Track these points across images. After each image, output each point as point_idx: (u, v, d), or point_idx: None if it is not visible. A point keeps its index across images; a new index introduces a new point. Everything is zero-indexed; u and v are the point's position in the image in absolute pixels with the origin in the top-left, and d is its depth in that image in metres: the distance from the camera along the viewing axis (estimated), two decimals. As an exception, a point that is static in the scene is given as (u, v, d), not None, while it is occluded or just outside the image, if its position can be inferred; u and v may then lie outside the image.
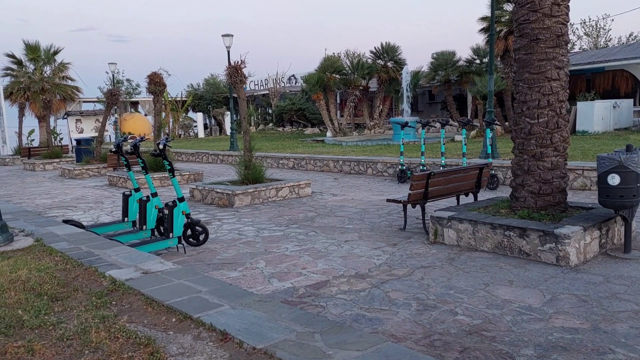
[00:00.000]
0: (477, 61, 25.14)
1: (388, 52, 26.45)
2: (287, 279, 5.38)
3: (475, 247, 6.20)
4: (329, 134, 26.75)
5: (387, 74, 26.52)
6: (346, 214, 8.73)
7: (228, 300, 3.57)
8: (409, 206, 7.25)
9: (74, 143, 20.93)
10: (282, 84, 37.63)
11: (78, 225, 7.30)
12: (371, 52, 26.99)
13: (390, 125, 26.91)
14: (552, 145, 6.22)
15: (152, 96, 13.80)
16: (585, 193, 9.81)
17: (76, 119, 33.19)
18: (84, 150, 18.21)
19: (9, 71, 31.25)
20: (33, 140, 30.20)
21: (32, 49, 31.08)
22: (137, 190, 7.83)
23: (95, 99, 35.65)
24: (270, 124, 35.43)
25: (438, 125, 12.41)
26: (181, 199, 6.65)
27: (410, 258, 5.99)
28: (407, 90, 24.42)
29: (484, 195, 9.55)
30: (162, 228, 7.09)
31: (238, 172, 10.84)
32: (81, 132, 33.09)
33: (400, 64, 26.41)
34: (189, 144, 28.58)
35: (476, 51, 24.85)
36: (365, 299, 4.71)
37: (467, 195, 7.94)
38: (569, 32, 6.34)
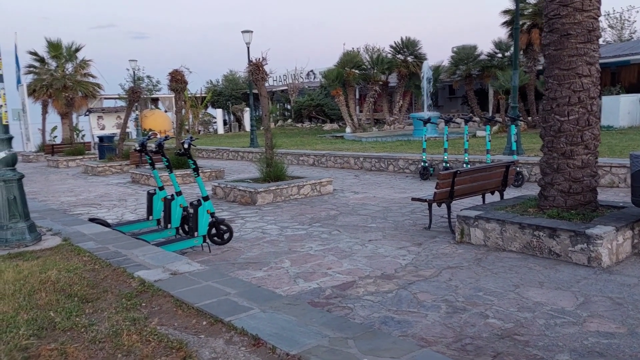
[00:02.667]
0: (499, 55, 24.80)
1: (408, 47, 26.25)
2: (312, 279, 5.35)
3: (503, 247, 6.09)
4: (348, 129, 26.66)
5: (407, 69, 26.33)
6: (369, 212, 8.67)
7: (257, 303, 3.55)
8: (433, 205, 7.16)
9: (97, 140, 21.18)
10: (301, 80, 37.61)
11: (104, 223, 7.37)
12: (391, 46, 26.83)
13: (410, 121, 26.72)
14: (582, 143, 6.07)
15: (173, 93, 13.86)
16: (614, 190, 9.59)
17: (98, 116, 33.60)
18: (107, 147, 18.40)
19: (31, 69, 31.71)
20: (56, 137, 30.63)
21: (54, 47, 31.45)
22: (161, 188, 7.88)
23: (117, 96, 35.99)
24: (289, 120, 35.44)
25: (460, 121, 12.27)
26: (206, 198, 6.66)
27: (437, 258, 5.92)
28: (427, 85, 24.19)
29: (509, 193, 9.42)
30: (186, 227, 7.12)
31: (260, 170, 10.83)
32: (103, 128, 33.48)
33: (420, 58, 26.19)
34: (209, 140, 28.73)
35: (498, 45, 24.51)
36: (393, 301, 4.66)
37: (492, 193, 7.82)
38: (599, 27, 6.17)
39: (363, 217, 8.27)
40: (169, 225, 7.16)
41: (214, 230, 6.82)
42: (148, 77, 36.95)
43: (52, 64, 31.85)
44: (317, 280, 5.31)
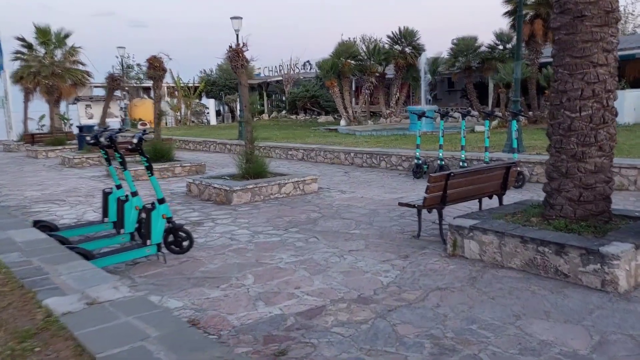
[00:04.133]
0: (500, 47, 23.90)
1: (406, 37, 25.30)
2: (276, 302, 4.50)
3: (501, 264, 5.25)
4: (342, 122, 25.77)
5: (404, 60, 25.39)
6: (353, 215, 7.82)
7: (178, 355, 2.70)
8: (424, 211, 6.31)
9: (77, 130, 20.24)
10: (297, 70, 36.62)
11: (50, 227, 6.51)
12: (388, 37, 25.88)
13: (407, 114, 25.83)
14: (596, 143, 5.21)
15: (153, 81, 12.96)
16: (623, 194, 8.74)
17: (86, 105, 32.62)
18: (84, 137, 17.46)
19: (19, 55, 30.68)
20: (44, 125, 29.63)
21: (43, 33, 30.36)
22: (118, 187, 7.02)
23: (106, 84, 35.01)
24: (284, 112, 34.52)
25: (457, 115, 11.45)
26: (161, 200, 5.80)
27: (425, 276, 5.07)
28: (425, 77, 23.27)
29: (509, 195, 8.57)
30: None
31: (239, 166, 9.97)
32: (91, 117, 32.49)
33: (418, 49, 25.25)
34: (199, 131, 27.82)
35: (499, 36, 23.59)
36: (367, 335, 3.81)
37: (490, 197, 6.96)
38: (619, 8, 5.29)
39: (346, 222, 7.41)
40: (121, 231, 6.31)
41: (171, 238, 5.96)
42: (138, 65, 35.92)
43: (41, 50, 30.86)
44: (281, 304, 4.46)
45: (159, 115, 13.20)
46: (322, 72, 25.59)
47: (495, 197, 7.01)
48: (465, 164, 10.48)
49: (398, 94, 26.53)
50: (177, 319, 3.39)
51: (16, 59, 30.59)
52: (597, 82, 5.15)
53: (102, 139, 5.93)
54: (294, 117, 33.08)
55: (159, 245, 5.72)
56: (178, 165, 12.86)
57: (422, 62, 23.36)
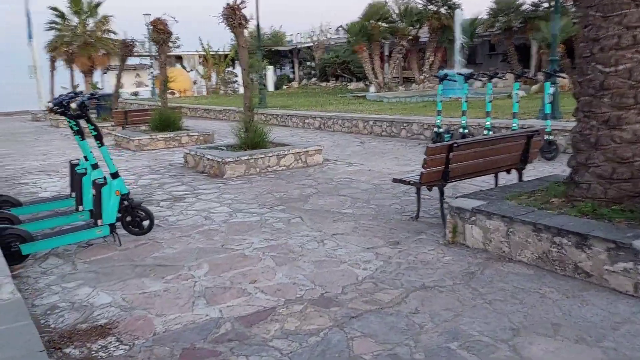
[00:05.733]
0: (545, 4, 21.93)
1: (441, -4, 23.62)
2: (219, 301, 3.70)
3: (508, 256, 4.26)
4: (372, 89, 24.53)
5: (439, 21, 23.79)
6: (352, 192, 6.90)
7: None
8: (424, 188, 5.34)
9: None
10: (329, 36, 35.22)
11: (11, 202, 5.91)
12: (422, -4, 24.23)
13: (442, 80, 24.30)
14: (636, 105, 4.09)
15: (157, 45, 12.20)
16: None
17: (115, 74, 32.35)
18: (103, 106, 17.06)
19: (53, 24, 30.63)
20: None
21: (75, 2, 30.17)
22: (86, 159, 6.35)
23: (135, 54, 34.69)
24: (314, 79, 33.41)
25: (484, 78, 10.26)
26: (115, 175, 5.04)
27: (411, 269, 4.15)
28: (460, 39, 21.68)
29: (537, 168, 7.48)
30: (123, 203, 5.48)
31: (237, 135, 9.15)
32: (121, 86, 32.34)
33: (454, 9, 23.52)
34: (225, 100, 27.16)
35: (544, -8, 21.63)
36: (312, 353, 2.96)
37: (508, 172, 5.90)
38: None
39: (341, 199, 6.51)
40: (80, 208, 5.62)
41: (128, 218, 5.22)
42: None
43: (74, 19, 30.71)
44: (225, 304, 3.66)
45: (165, 82, 12.48)
46: (350, 36, 24.29)
47: (515, 173, 5.93)
48: (491, 132, 9.31)
49: (432, 58, 24.96)
50: (33, 340, 2.60)
51: (50, 28, 30.57)
52: (639, 27, 4.00)
53: (72, 105, 5.03)
54: (323, 84, 31.92)
55: (112, 226, 4.99)
56: (185, 134, 12.16)
57: (457, 23, 21.72)
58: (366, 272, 4.14)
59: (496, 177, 6.01)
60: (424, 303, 3.55)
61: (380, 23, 23.90)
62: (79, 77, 30.78)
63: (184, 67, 40.93)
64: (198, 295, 3.83)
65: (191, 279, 4.14)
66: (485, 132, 9.36)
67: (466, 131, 9.75)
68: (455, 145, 4.89)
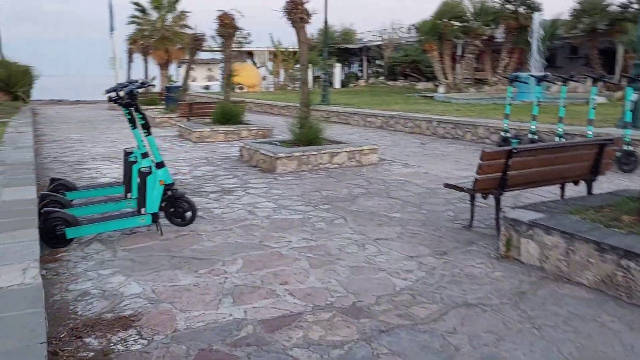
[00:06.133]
0: (635, 5, 20.37)
1: (520, -5, 22.53)
2: (246, 301, 3.55)
3: (567, 277, 3.84)
4: (440, 89, 23.81)
5: (516, 21, 22.74)
6: (404, 194, 6.59)
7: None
8: (479, 196, 4.96)
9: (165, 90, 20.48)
10: (400, 35, 34.61)
11: (67, 186, 6.06)
12: (499, -6, 23.22)
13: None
14: None
15: (222, 39, 12.33)
16: None
17: (190, 67, 33.39)
18: (172, 98, 17.56)
19: (134, 19, 32.09)
20: (154, 86, 30.86)
21: (156, -3, 31.41)
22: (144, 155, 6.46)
23: (207, 48, 35.65)
24: (382, 78, 32.95)
25: (558, 81, 9.58)
26: (160, 165, 5.03)
27: (455, 283, 3.83)
28: (537, 40, 20.57)
29: (612, 181, 6.87)
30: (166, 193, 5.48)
31: (291, 131, 9.04)
32: (194, 80, 33.43)
33: (534, 9, 22.36)
34: (291, 96, 27.28)
35: (634, -8, 20.08)
36: (332, 368, 2.74)
37: (576, 183, 5.38)
38: None
39: (391, 202, 6.22)
40: (128, 195, 5.67)
41: (171, 208, 5.21)
42: (239, 29, 35.99)
43: (154, 14, 32.02)
44: (251, 305, 3.50)
45: (228, 76, 12.60)
46: (420, 35, 23.69)
47: (583, 184, 5.41)
48: (563, 140, 8.67)
49: (507, 59, 23.88)
50: (38, 330, 2.52)
51: (131, 22, 32.05)
52: None
53: (121, 94, 5.08)
54: (391, 83, 31.40)
55: (155, 215, 4.98)
56: (245, 128, 12.24)
57: (536, 23, 20.63)
58: (405, 283, 3.86)
59: (562, 188, 5.50)
60: (464, 322, 3.24)
61: (452, 22, 23.13)
62: (156, 70, 32.14)
63: (254, 63, 41.68)
64: (226, 292, 3.70)
65: (223, 275, 4.02)
66: (557, 138, 8.73)
67: (535, 137, 9.14)
68: (514, 151, 4.49)
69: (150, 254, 4.53)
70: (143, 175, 4.95)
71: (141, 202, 4.95)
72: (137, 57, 27.77)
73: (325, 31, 19.45)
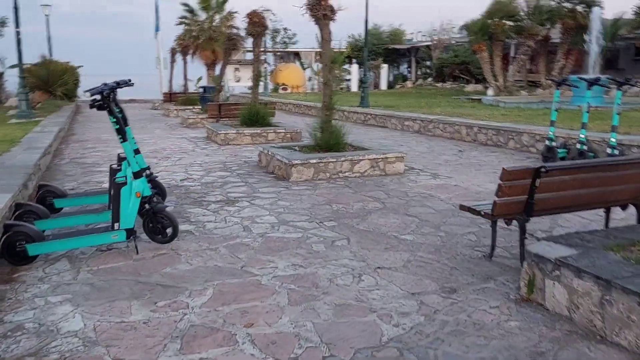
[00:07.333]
0: None
1: (578, -8, 21.00)
2: (194, 350, 2.95)
3: (600, 333, 3.02)
4: (489, 92, 22.57)
5: (574, 20, 21.18)
6: (423, 211, 5.82)
7: None
8: (501, 222, 4.16)
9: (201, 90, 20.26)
10: (450, 35, 33.35)
11: (55, 192, 5.68)
12: (556, -9, 21.74)
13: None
14: None
15: (253, 39, 11.85)
16: None
17: (234, 68, 33.51)
18: (207, 98, 17.32)
19: (183, 19, 32.41)
20: (200, 87, 31.04)
21: (205, -2, 31.58)
22: (136, 151, 6.00)
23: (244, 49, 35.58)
24: (430, 79, 31.82)
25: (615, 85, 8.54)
26: (137, 174, 4.52)
27: (457, 335, 3.09)
28: (596, 41, 19.05)
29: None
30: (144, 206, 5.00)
31: (312, 135, 8.41)
32: (238, 80, 33.44)
33: (593, 7, 20.78)
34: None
35: None
36: None
37: (624, 208, 4.48)
38: None
39: (407, 220, 5.48)
40: (111, 206, 5.20)
41: (150, 224, 4.69)
42: (285, 29, 35.79)
43: (203, 15, 32.26)
44: (199, 354, 2.90)
45: (257, 76, 12.11)
46: (469, 34, 22.53)
47: (632, 209, 4.50)
48: (616, 151, 7.63)
49: (562, 61, 22.35)
50: None
51: (180, 23, 32.38)
52: None
53: (98, 97, 4.52)
54: (439, 84, 30.22)
55: (129, 231, 4.47)
56: (272, 131, 11.71)
57: (595, 22, 19.11)
58: (395, 331, 3.14)
59: (607, 212, 4.61)
60: (456, 396, 2.51)
61: (504, 21, 21.84)
62: (202, 70, 32.34)
63: (301, 64, 41.35)
64: (176, 335, 3.11)
65: (183, 309, 3.44)
66: (609, 150, 7.70)
67: (585, 147, 8.11)
68: (543, 169, 3.68)
69: (115, 277, 4.01)
70: (117, 187, 4.45)
71: (115, 216, 4.45)
72: (180, 58, 27.81)
73: (366, 30, 18.70)
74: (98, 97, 4.35)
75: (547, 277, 3.37)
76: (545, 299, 3.40)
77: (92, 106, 4.39)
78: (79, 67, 24.48)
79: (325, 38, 8.34)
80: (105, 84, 4.61)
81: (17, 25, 13.81)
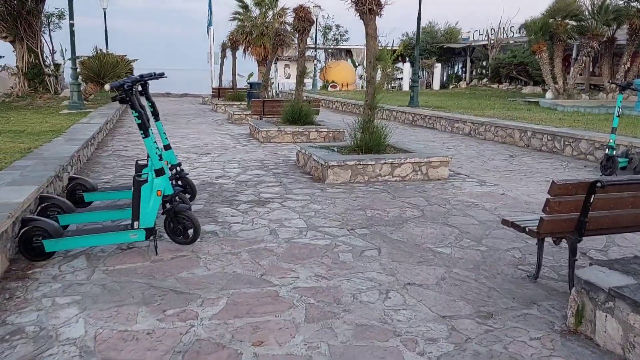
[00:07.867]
0: None
1: (650, -10, 19.59)
2: (195, 367, 2.71)
3: (663, 383, 2.56)
4: (548, 94, 21.46)
5: (643, 20, 19.73)
6: (465, 222, 5.39)
7: None
8: (548, 240, 3.71)
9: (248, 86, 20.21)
10: (509, 34, 32.03)
11: (85, 186, 5.61)
12: (624, -11, 20.38)
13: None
14: None
15: (298, 34, 11.62)
16: None
17: (285, 64, 33.54)
18: (253, 94, 17.24)
19: (236, 15, 32.78)
20: (251, 83, 31.33)
21: (259, -6, 31.86)
22: (167, 147, 5.94)
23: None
24: (485, 80, 30.71)
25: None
26: (159, 172, 4.34)
27: (489, 371, 2.70)
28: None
29: None
30: (167, 205, 4.83)
31: (352, 136, 8.08)
32: (288, 77, 33.45)
33: (665, 5, 19.36)
34: (382, 96, 26.14)
35: None
36: None
37: (696, 230, 3.91)
38: None
39: (445, 231, 5.07)
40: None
41: (171, 224, 4.50)
42: (337, 26, 35.48)
43: (256, 11, 32.52)
44: (198, 373, 2.65)
45: (302, 73, 11.85)
46: (529, 34, 21.48)
47: None
48: (687, 163, 6.90)
49: (629, 64, 20.95)
50: None
51: (234, 19, 32.77)
52: None
53: (106, 87, 4.44)
54: (495, 86, 29.09)
55: (149, 231, 4.30)
56: (314, 129, 11.44)
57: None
58: (419, 360, 2.79)
59: (675, 234, 4.07)
60: None
61: (567, 21, 20.68)
62: (254, 66, 32.65)
63: (352, 62, 40.95)
64: (179, 350, 2.88)
65: (191, 320, 3.21)
66: (678, 161, 6.98)
67: (648, 157, 7.41)
68: (599, 185, 3.22)
69: (129, 279, 3.84)
70: (138, 184, 4.28)
71: (135, 214, 4.29)
72: (229, 53, 28.02)
73: (418, 27, 18.09)
74: (120, 90, 4.20)
75: (598, 308, 2.93)
76: (596, 333, 2.95)
77: (114, 99, 4.24)
78: (134, 60, 25.06)
79: (370, 34, 7.97)
80: (129, 78, 4.47)
81: (71, 17, 14.13)
